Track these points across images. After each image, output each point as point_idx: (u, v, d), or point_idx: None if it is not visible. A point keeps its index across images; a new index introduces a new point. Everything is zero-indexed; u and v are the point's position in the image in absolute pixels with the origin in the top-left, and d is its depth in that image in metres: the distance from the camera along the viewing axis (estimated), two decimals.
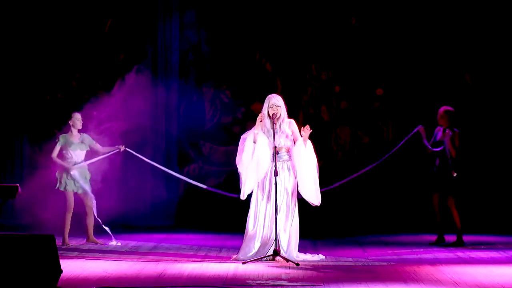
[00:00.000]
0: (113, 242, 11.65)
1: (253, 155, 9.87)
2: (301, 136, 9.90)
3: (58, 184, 11.60)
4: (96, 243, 11.66)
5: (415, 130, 11.87)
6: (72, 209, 11.63)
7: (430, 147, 11.79)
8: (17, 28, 15.18)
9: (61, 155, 11.64)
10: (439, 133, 11.88)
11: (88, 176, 11.74)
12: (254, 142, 9.89)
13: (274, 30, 15.64)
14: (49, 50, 15.34)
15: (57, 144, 11.64)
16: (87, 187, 11.65)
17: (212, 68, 15.75)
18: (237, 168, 10.02)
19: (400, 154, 15.36)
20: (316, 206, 9.97)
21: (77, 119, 11.70)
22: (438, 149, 11.76)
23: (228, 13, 15.67)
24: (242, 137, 10.06)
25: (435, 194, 11.95)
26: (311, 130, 9.85)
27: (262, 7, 15.63)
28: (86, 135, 11.77)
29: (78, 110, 12.02)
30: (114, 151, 11.79)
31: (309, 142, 9.93)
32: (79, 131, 11.72)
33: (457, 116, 12.01)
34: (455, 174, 11.66)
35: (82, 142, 11.69)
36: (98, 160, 11.74)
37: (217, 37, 15.72)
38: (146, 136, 15.35)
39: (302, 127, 9.88)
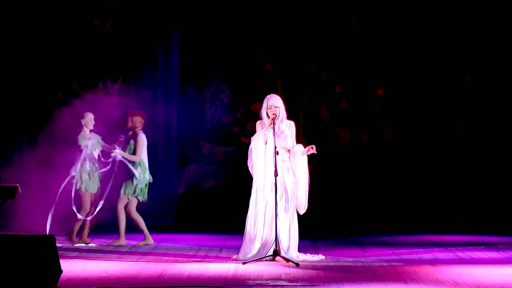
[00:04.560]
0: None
1: (265, 157, 9.86)
2: (304, 148, 9.94)
3: (79, 184, 11.51)
4: (88, 244, 11.62)
5: (118, 140, 11.70)
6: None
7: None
8: (17, 28, 15.17)
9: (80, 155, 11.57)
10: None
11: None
12: (265, 144, 9.89)
13: (274, 31, 15.65)
14: (49, 50, 15.33)
15: (84, 146, 11.52)
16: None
17: (212, 68, 15.74)
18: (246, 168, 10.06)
19: (400, 155, 15.41)
20: (304, 212, 9.98)
21: (90, 119, 11.64)
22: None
23: (229, 13, 15.67)
24: (252, 139, 10.00)
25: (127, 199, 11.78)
26: (316, 153, 9.87)
27: (262, 8, 15.63)
28: (97, 135, 11.72)
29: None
30: (115, 144, 11.72)
31: (305, 155, 9.96)
32: (90, 131, 11.67)
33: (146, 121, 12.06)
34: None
35: (96, 142, 11.65)
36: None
37: (217, 37, 15.72)
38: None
39: (309, 146, 9.87)
